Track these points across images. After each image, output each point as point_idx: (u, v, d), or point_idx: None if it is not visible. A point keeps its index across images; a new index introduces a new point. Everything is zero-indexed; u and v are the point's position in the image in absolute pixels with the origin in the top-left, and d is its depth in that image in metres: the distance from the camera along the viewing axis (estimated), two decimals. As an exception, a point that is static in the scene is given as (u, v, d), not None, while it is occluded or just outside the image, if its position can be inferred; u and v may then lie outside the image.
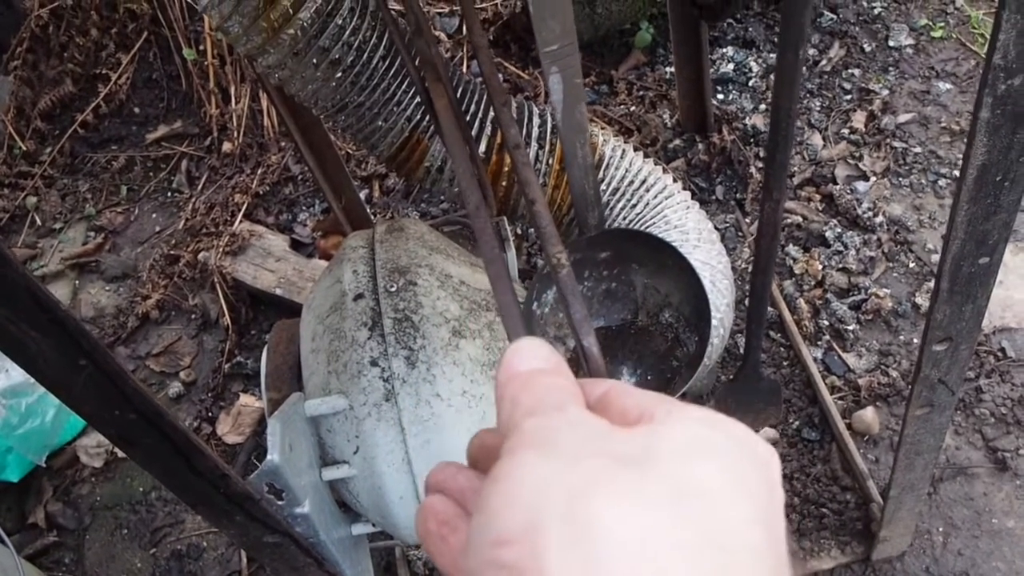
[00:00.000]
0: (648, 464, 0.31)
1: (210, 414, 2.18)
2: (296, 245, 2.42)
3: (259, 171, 2.59)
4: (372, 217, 2.43)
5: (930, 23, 2.55)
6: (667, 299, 0.92)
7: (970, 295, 1.03)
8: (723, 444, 0.33)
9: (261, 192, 2.54)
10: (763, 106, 2.42)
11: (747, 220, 2.26)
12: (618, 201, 1.47)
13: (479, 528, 0.32)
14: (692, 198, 1.58)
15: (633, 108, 2.48)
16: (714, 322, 1.29)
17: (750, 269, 2.16)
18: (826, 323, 2.04)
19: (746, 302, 2.10)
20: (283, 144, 2.64)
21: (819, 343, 2.02)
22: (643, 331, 0.92)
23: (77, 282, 2.53)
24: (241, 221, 2.46)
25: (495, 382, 0.39)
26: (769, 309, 2.07)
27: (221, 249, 2.35)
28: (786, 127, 0.75)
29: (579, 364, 0.61)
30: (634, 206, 1.48)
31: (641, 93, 2.50)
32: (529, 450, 0.33)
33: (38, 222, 2.68)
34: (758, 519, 0.31)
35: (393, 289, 1.14)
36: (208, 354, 2.31)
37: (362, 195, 2.45)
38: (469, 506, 0.41)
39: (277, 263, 2.33)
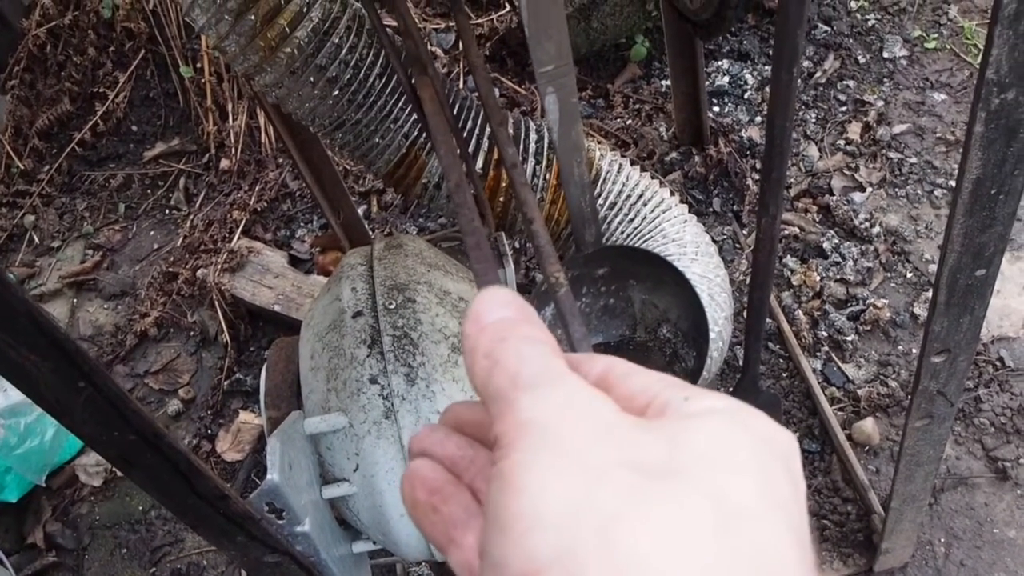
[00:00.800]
0: (679, 477, 0.29)
1: (209, 431, 2.18)
2: (294, 261, 2.42)
3: (257, 188, 2.59)
4: (370, 233, 2.44)
5: (924, 34, 2.56)
6: (665, 314, 0.92)
7: (967, 307, 1.03)
8: (752, 448, 0.31)
9: (259, 208, 2.54)
10: (759, 118, 2.43)
11: (744, 232, 2.26)
12: (616, 215, 1.48)
13: (500, 547, 0.29)
14: (689, 211, 1.59)
15: (629, 121, 2.49)
16: (712, 335, 1.29)
17: (748, 281, 2.17)
18: (825, 334, 2.04)
19: (744, 314, 2.10)
20: (281, 160, 2.65)
21: (818, 354, 2.02)
22: (641, 347, 0.93)
23: (75, 300, 2.53)
24: (239, 238, 2.46)
25: (463, 337, 0.36)
26: (767, 320, 2.07)
27: (219, 266, 2.35)
28: (781, 143, 0.76)
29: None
30: (632, 220, 1.49)
31: (637, 106, 2.51)
32: (542, 452, 0.30)
33: (36, 240, 2.68)
34: (791, 531, 0.30)
35: (392, 306, 1.14)
36: (207, 371, 2.31)
37: (360, 211, 2.45)
38: (462, 475, 0.39)
39: (275, 279, 2.33)
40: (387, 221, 2.49)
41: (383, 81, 1.38)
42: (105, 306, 2.50)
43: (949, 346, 1.08)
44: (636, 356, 0.92)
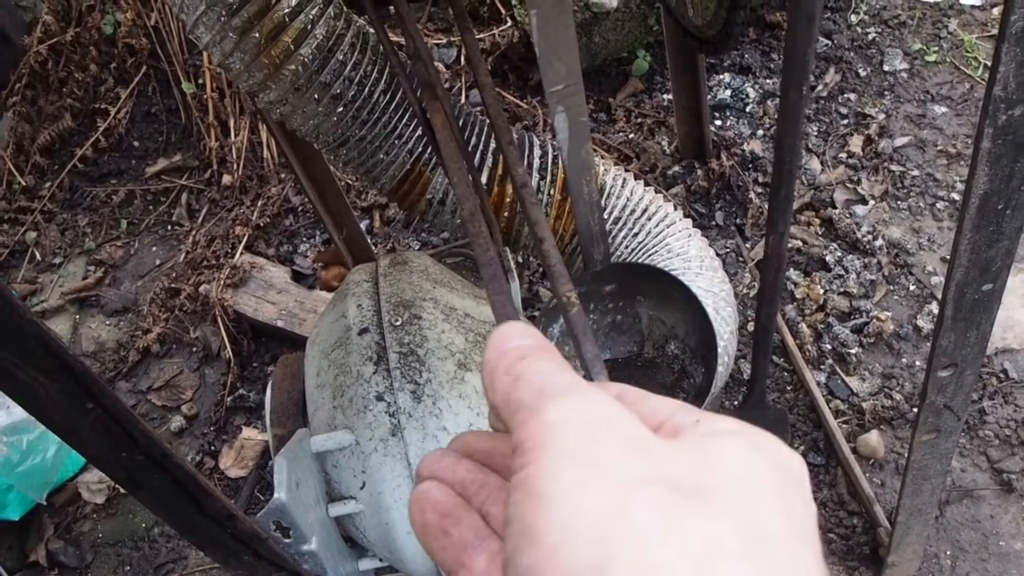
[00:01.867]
0: (708, 497, 0.30)
1: (212, 448, 2.17)
2: (297, 276, 2.42)
3: (259, 203, 2.59)
4: (373, 247, 2.44)
5: (924, 47, 2.57)
6: (673, 331, 0.92)
7: (974, 321, 1.03)
8: (771, 471, 0.32)
9: (261, 224, 2.54)
10: (760, 131, 2.44)
11: (747, 245, 2.26)
12: (620, 230, 1.48)
13: (531, 556, 0.29)
14: (692, 224, 1.59)
15: (632, 135, 2.49)
16: (719, 350, 1.29)
17: (752, 294, 2.17)
18: (828, 347, 2.04)
19: (749, 327, 2.10)
20: (283, 176, 2.65)
21: (822, 367, 2.02)
22: (650, 363, 0.92)
23: (77, 317, 2.52)
24: (242, 253, 2.46)
25: (483, 363, 0.37)
26: (771, 334, 2.06)
27: (222, 282, 2.35)
28: (790, 161, 0.76)
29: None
30: (636, 235, 1.49)
31: (639, 120, 2.52)
32: (571, 461, 0.30)
33: (38, 257, 2.68)
34: (814, 557, 0.31)
35: (398, 323, 1.14)
36: (210, 387, 2.30)
37: (363, 225, 2.45)
38: (472, 499, 0.39)
39: (278, 295, 2.33)
40: (390, 236, 2.49)
41: (387, 97, 1.38)
42: (107, 322, 2.50)
43: (956, 360, 1.07)
44: (644, 372, 0.92)
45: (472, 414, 1.10)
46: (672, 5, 1.68)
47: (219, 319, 2.30)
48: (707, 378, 0.87)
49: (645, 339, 0.92)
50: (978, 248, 0.91)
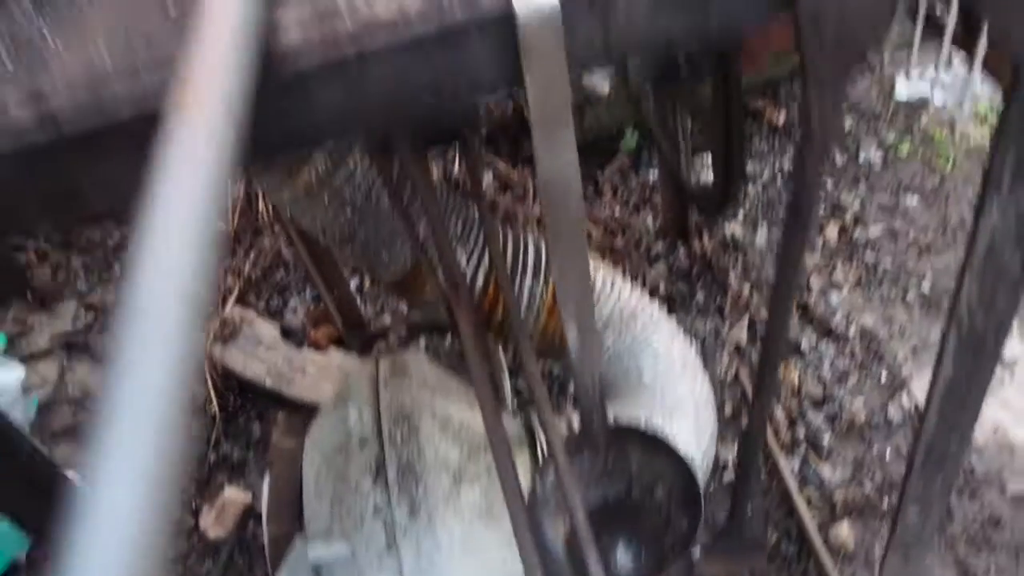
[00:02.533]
0: None
1: (193, 505, 2.19)
2: (286, 332, 2.46)
3: (252, 254, 2.64)
4: (362, 307, 2.49)
5: (898, 140, 2.68)
6: (661, 477, 0.98)
7: (942, 467, 1.10)
8: None
9: (253, 277, 2.58)
10: (740, 214, 2.53)
11: (726, 325, 2.34)
12: (609, 334, 1.55)
13: None
14: (674, 303, 1.66)
15: (618, 210, 2.57)
16: (697, 457, 1.35)
17: (730, 378, 2.24)
18: (802, 433, 2.11)
19: (726, 410, 2.18)
20: (276, 228, 2.69)
21: (795, 453, 2.09)
22: (637, 507, 0.99)
23: (65, 361, 2.54)
24: (233, 305, 2.50)
25: None
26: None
27: (211, 334, 2.38)
28: (788, 295, 0.83)
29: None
30: (623, 338, 1.56)
31: (626, 196, 2.60)
32: None
33: (28, 298, 2.69)
34: None
35: (398, 439, 1.19)
36: (193, 442, 2.32)
37: (352, 284, 2.50)
38: None
39: (267, 352, 2.37)
40: (379, 296, 2.54)
41: (393, 202, 1.44)
42: (96, 368, 2.51)
43: (924, 500, 1.15)
44: (633, 516, 0.98)
45: (465, 527, 1.15)
46: (670, 167, 1.73)
47: (207, 373, 2.33)
48: (691, 526, 0.94)
49: (634, 481, 0.98)
50: (945, 416, 0.99)
